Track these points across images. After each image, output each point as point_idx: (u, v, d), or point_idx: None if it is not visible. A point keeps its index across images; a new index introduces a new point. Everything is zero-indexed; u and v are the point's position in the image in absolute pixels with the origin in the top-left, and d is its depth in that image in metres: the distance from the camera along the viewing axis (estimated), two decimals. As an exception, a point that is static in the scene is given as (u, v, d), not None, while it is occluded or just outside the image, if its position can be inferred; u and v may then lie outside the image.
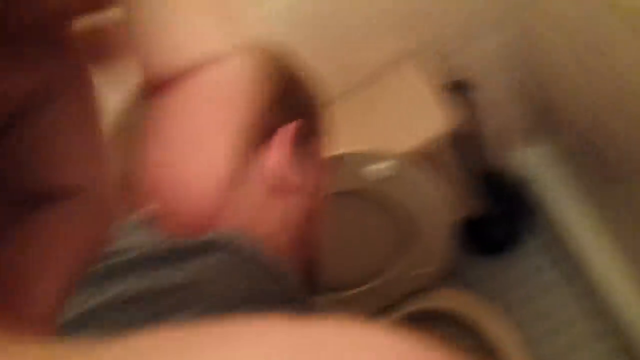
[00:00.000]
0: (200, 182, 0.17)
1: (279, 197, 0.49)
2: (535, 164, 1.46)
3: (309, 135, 0.53)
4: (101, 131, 0.17)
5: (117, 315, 0.38)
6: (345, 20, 1.03)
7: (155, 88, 0.16)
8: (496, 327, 1.11)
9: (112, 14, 0.16)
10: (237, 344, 0.11)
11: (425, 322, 1.22)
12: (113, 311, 0.38)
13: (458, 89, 1.17)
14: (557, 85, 1.13)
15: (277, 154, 0.48)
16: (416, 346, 0.14)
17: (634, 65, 0.77)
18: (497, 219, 1.50)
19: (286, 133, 0.49)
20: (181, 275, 0.40)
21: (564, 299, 1.43)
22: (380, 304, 1.22)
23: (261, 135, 0.45)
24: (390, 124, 1.07)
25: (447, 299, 1.22)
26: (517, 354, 1.06)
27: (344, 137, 0.70)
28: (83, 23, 0.16)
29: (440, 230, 1.12)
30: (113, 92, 0.23)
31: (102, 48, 0.17)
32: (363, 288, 1.18)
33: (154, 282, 0.40)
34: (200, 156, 0.17)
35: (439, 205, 1.08)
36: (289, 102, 0.50)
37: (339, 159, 0.93)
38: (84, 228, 0.16)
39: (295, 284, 0.47)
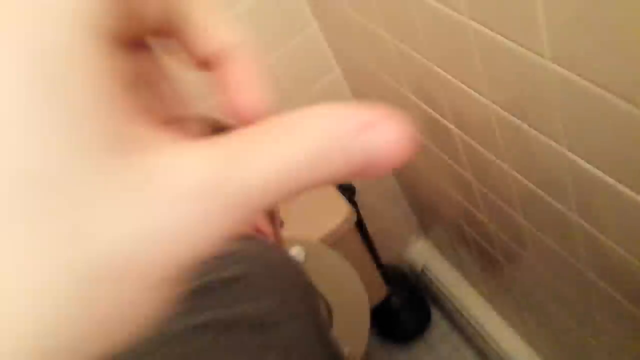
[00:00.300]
0: None
1: None
2: (426, 256, 1.59)
3: None
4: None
5: None
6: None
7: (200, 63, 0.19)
8: None
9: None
10: None
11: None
12: None
13: (343, 191, 1.26)
14: (429, 185, 1.24)
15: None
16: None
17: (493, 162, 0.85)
18: (403, 307, 1.59)
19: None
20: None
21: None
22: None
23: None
24: (295, 214, 1.12)
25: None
26: None
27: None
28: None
29: (353, 316, 1.18)
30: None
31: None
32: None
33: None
34: None
35: (348, 291, 1.15)
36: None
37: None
38: None
39: None
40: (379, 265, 1.48)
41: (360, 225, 1.31)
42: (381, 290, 1.43)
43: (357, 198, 1.34)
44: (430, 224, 1.51)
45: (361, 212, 1.35)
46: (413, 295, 1.61)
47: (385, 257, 1.55)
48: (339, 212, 1.17)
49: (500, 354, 1.34)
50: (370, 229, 1.43)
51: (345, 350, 1.15)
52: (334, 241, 1.15)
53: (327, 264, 1.12)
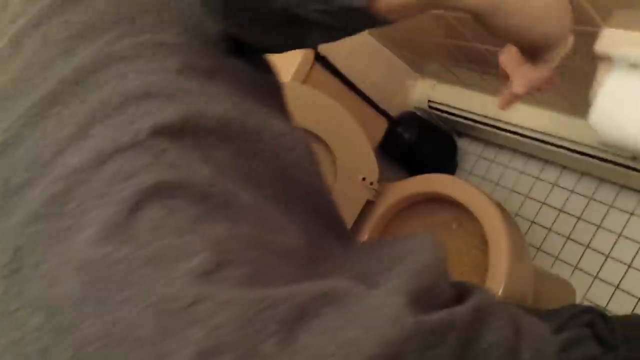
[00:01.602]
0: None
1: None
2: (428, 92, 1.61)
3: None
4: None
5: None
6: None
7: None
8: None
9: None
10: None
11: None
12: None
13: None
14: (408, 28, 1.21)
15: None
16: None
17: None
18: (425, 144, 1.66)
19: None
20: None
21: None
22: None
23: None
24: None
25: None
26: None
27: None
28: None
29: (356, 148, 1.33)
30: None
31: None
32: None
33: None
34: None
35: (339, 123, 1.31)
36: None
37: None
38: None
39: None
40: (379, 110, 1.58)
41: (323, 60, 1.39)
42: (380, 122, 1.56)
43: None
44: (420, 62, 1.56)
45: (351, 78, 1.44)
46: (429, 129, 1.69)
47: (393, 111, 1.64)
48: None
49: (532, 135, 1.38)
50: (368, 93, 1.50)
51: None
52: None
53: (309, 102, 1.24)
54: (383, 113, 1.56)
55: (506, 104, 0.66)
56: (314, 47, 1.35)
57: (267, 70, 0.54)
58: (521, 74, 0.61)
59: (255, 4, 0.41)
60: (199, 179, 0.37)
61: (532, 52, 0.56)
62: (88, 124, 0.37)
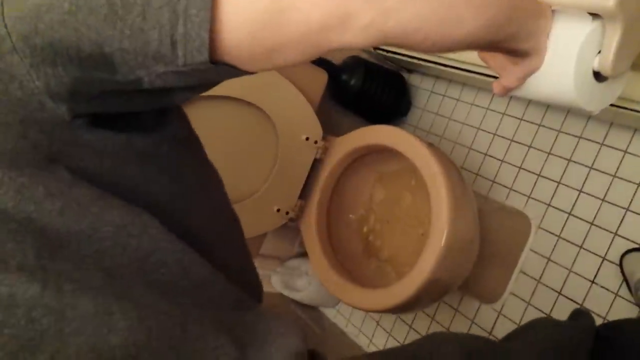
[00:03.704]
0: None
1: None
2: None
3: None
4: None
5: None
6: None
7: None
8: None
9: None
10: None
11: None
12: None
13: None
14: None
15: None
16: None
17: None
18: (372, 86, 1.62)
19: None
20: None
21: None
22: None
23: None
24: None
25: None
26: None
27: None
28: None
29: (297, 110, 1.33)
30: None
31: None
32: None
33: None
34: None
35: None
36: None
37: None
38: None
39: None
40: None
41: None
42: (319, 75, 1.48)
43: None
44: None
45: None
46: (376, 71, 1.66)
47: (337, 58, 1.63)
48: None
49: (478, 70, 1.36)
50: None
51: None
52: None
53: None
54: (323, 63, 1.52)
55: (500, 95, 0.65)
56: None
57: (153, 126, 0.47)
58: (507, 72, 0.60)
59: (105, 86, 0.38)
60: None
61: (496, 50, 0.53)
62: None
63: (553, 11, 0.58)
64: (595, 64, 0.61)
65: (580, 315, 0.88)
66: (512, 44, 0.53)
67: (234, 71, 0.39)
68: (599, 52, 0.61)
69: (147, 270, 0.42)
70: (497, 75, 0.64)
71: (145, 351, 0.38)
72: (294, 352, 0.46)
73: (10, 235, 0.36)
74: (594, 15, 0.58)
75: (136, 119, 0.44)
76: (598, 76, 0.62)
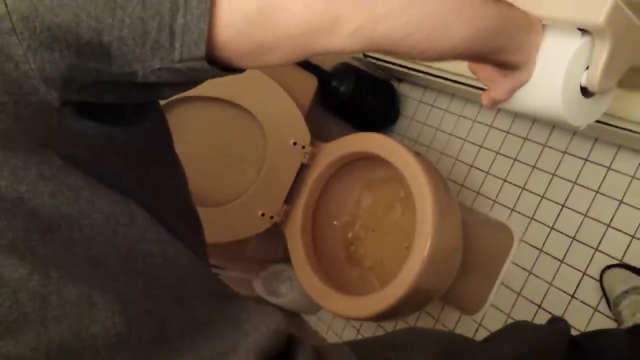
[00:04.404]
0: None
1: None
2: None
3: None
4: None
5: None
6: None
7: None
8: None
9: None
10: None
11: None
12: None
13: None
14: None
15: None
16: None
17: None
18: (363, 94, 1.63)
19: None
20: None
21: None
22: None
23: None
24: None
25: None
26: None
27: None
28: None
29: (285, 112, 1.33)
30: None
31: None
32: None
33: None
34: None
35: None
36: None
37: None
38: None
39: None
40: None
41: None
42: (310, 81, 1.51)
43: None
44: None
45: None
46: (366, 79, 1.66)
47: (327, 65, 1.61)
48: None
49: (467, 82, 1.37)
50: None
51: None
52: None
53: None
54: (314, 69, 1.53)
55: (488, 107, 0.65)
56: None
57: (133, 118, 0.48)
58: (496, 84, 0.61)
59: (99, 76, 0.38)
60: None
61: (486, 62, 0.54)
62: None
63: (543, 26, 0.59)
64: (583, 80, 0.62)
65: (557, 321, 0.90)
66: (502, 56, 0.53)
67: (223, 71, 0.40)
68: (587, 67, 0.61)
69: (133, 259, 0.42)
70: (486, 88, 0.65)
71: (126, 343, 0.38)
72: (273, 329, 0.46)
73: (1, 214, 0.36)
74: (583, 31, 0.59)
75: (118, 111, 0.45)
76: (585, 92, 0.63)
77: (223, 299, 0.49)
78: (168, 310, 0.43)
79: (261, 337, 0.45)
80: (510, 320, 1.36)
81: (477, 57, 0.51)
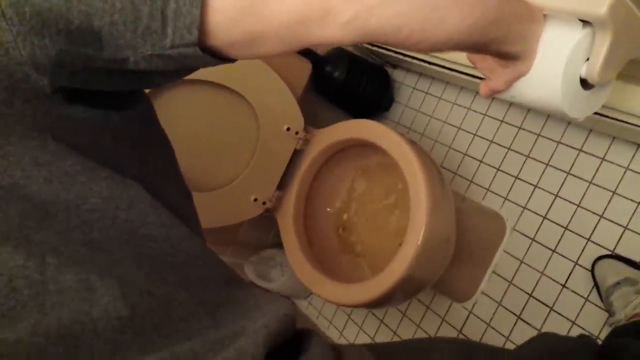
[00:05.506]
0: None
1: None
2: None
3: None
4: None
5: None
6: None
7: None
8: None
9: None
10: None
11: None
12: None
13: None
14: None
15: None
16: None
17: None
18: (357, 79, 1.63)
19: None
20: None
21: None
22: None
23: None
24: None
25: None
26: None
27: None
28: None
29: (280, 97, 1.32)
30: None
31: None
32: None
33: None
34: None
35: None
36: None
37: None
38: None
39: None
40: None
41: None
42: (304, 66, 1.48)
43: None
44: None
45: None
46: (360, 65, 1.65)
47: (322, 49, 1.61)
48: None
49: (462, 69, 1.32)
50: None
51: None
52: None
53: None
54: (308, 53, 1.51)
55: (486, 96, 0.65)
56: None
57: (126, 103, 0.48)
58: (496, 74, 0.60)
59: (90, 63, 0.38)
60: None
61: (485, 52, 0.53)
62: None
63: (544, 16, 0.58)
64: (583, 71, 0.61)
65: (585, 337, 0.92)
66: (501, 47, 0.52)
67: (215, 59, 0.40)
68: (587, 59, 0.61)
69: (135, 244, 0.41)
70: (482, 76, 0.64)
71: (128, 327, 0.38)
72: (282, 313, 0.46)
73: None
74: (585, 22, 0.58)
75: (109, 96, 0.44)
76: (584, 83, 0.62)
77: (229, 283, 0.49)
78: (173, 294, 0.42)
79: (270, 320, 0.44)
80: (501, 309, 1.37)
81: (475, 47, 0.50)
